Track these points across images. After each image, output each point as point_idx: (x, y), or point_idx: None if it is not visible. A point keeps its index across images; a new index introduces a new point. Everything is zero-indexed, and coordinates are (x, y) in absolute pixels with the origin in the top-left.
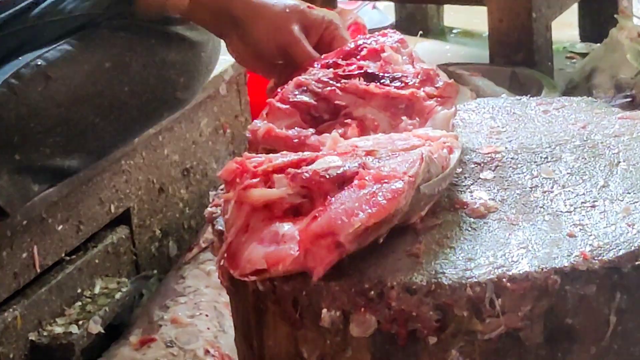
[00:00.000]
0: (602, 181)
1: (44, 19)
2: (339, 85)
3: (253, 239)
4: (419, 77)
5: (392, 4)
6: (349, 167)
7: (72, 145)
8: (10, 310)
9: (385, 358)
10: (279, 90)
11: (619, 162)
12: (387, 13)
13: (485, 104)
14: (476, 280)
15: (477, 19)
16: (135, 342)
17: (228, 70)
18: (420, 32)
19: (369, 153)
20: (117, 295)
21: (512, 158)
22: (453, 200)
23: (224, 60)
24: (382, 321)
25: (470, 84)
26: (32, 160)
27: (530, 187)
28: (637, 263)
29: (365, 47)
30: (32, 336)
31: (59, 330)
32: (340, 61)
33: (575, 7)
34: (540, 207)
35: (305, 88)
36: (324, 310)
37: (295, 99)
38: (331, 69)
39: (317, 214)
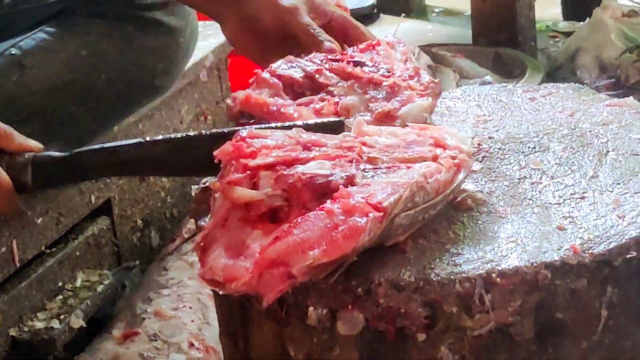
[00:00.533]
0: (591, 171)
1: (18, 6)
2: (326, 66)
3: (224, 239)
4: (407, 72)
5: None
6: (334, 178)
7: (49, 134)
8: None
9: (373, 356)
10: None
11: (608, 151)
12: None
13: (471, 91)
14: (465, 275)
15: None
16: (119, 335)
17: (209, 56)
18: (403, 14)
19: (370, 160)
20: (99, 288)
21: (499, 148)
22: None
23: (205, 46)
24: (369, 318)
25: (453, 65)
26: None
27: (519, 179)
28: (628, 256)
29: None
30: (13, 332)
31: (40, 325)
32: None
33: None
34: (529, 199)
35: (294, 64)
36: (311, 308)
37: (282, 72)
38: (328, 56)
39: (280, 235)
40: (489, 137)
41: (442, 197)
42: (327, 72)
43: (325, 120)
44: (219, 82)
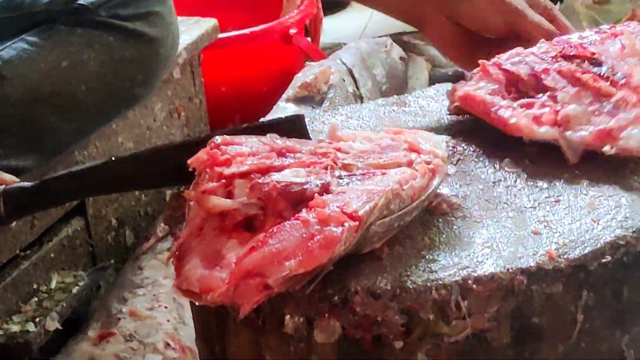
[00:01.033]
0: (566, 174)
1: None
2: (555, 66)
3: (199, 249)
4: None
5: None
6: (309, 187)
7: (27, 145)
8: None
9: None
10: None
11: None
12: None
13: (445, 89)
14: (441, 283)
15: None
16: (94, 336)
17: (181, 53)
18: None
19: (345, 167)
20: (74, 290)
21: (474, 150)
22: None
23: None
24: (346, 327)
25: (425, 53)
26: None
27: (494, 182)
28: (603, 261)
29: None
30: None
31: (15, 328)
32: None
33: None
34: (504, 203)
35: (522, 60)
36: (287, 317)
37: (508, 67)
38: (561, 47)
39: (255, 245)
40: (463, 139)
41: (418, 204)
42: (555, 74)
43: (282, 117)
44: (192, 78)
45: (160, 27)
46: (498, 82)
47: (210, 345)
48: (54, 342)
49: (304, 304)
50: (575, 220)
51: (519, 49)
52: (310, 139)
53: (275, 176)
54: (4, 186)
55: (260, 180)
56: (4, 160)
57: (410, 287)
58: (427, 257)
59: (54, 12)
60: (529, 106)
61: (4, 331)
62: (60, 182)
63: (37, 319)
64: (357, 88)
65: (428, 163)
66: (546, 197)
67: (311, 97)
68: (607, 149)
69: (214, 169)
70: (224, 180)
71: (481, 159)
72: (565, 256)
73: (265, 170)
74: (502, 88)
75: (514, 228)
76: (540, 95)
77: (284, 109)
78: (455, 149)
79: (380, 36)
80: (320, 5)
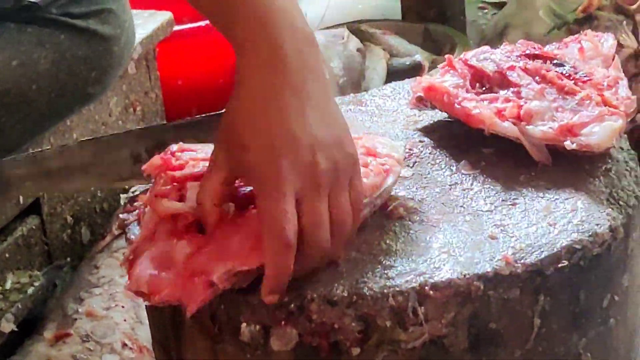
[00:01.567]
0: (523, 176)
1: None
2: (521, 63)
3: (151, 251)
4: (607, 80)
5: None
6: None
7: None
8: None
9: None
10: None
11: None
12: None
13: (401, 88)
14: (398, 289)
15: None
16: (50, 337)
17: (137, 48)
18: None
19: None
20: (30, 290)
21: (430, 153)
22: None
23: None
24: (303, 334)
25: (383, 43)
26: None
27: (450, 185)
28: (559, 265)
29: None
30: None
31: None
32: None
33: None
34: (461, 207)
35: (488, 57)
36: (243, 325)
37: (474, 63)
38: (524, 48)
39: (200, 244)
40: (420, 141)
41: (370, 201)
42: (520, 71)
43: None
44: (147, 72)
45: (113, 25)
46: (463, 77)
47: (166, 351)
48: (10, 344)
49: (260, 311)
50: (532, 224)
51: (486, 47)
52: None
53: None
54: None
55: None
56: None
57: (367, 293)
58: (383, 262)
59: (3, 10)
60: (492, 100)
61: None
62: (15, 163)
63: None
64: None
65: (383, 165)
66: (503, 200)
67: None
68: (567, 143)
69: (167, 173)
70: (176, 184)
71: (438, 161)
72: (522, 261)
73: None
74: (466, 83)
75: (471, 232)
76: (505, 91)
77: None
78: (411, 151)
79: (338, 25)
80: None
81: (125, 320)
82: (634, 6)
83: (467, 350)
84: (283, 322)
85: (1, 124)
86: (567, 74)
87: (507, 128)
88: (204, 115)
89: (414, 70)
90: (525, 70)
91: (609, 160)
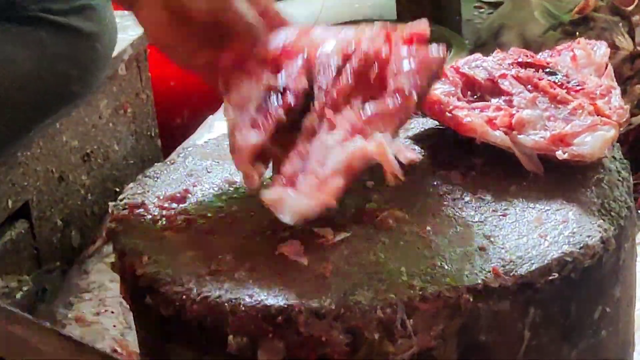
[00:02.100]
0: (514, 186)
1: None
2: (512, 72)
3: None
4: (599, 89)
5: None
6: None
7: None
8: None
9: None
10: None
11: None
12: None
13: None
14: (387, 301)
15: None
16: None
17: (127, 50)
18: None
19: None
20: (18, 295)
21: (420, 162)
22: (360, 211)
23: (123, 39)
24: (291, 347)
25: None
26: None
27: (440, 195)
28: (550, 277)
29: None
30: None
31: None
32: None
33: None
34: (451, 217)
35: (480, 64)
36: (230, 337)
37: (465, 71)
38: (517, 55)
39: None
40: (411, 149)
41: None
42: (512, 79)
43: None
44: (138, 73)
45: (95, 22)
46: (454, 85)
47: None
48: None
49: (247, 323)
50: (522, 236)
51: (478, 55)
52: None
53: None
54: None
55: None
56: None
57: (355, 306)
58: (372, 274)
59: None
60: (484, 108)
61: None
62: None
63: None
64: None
65: None
66: (493, 210)
67: None
68: (559, 153)
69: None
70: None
71: (428, 170)
72: (512, 273)
73: None
74: (457, 90)
75: (461, 244)
76: (497, 99)
77: None
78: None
79: (334, 25)
80: None
81: (114, 326)
82: (630, 8)
83: None
84: (271, 335)
85: None
86: (559, 83)
87: (498, 137)
88: None
89: None
90: (517, 78)
91: (601, 170)
